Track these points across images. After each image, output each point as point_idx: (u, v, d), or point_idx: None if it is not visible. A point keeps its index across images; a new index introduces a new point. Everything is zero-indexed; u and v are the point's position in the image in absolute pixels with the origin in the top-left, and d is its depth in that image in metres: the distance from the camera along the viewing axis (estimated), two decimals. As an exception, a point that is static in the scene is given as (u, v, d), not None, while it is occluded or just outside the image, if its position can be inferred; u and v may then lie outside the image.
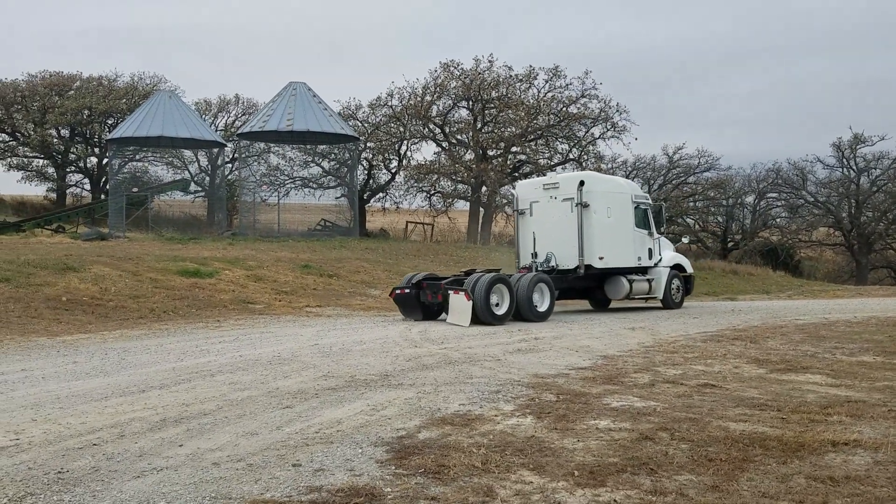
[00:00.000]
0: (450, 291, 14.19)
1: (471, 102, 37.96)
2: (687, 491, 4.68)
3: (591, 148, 39.07)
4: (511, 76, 37.74)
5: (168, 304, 14.97)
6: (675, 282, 18.01)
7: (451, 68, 37.38)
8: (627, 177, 48.00)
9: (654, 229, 17.65)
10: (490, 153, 37.28)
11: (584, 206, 16.25)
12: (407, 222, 39.93)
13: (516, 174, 38.52)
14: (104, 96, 43.05)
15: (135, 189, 35.55)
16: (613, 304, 18.65)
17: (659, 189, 47.68)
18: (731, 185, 47.54)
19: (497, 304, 14.20)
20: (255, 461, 5.26)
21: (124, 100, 43.17)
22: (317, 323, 14.06)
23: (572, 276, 16.45)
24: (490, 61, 37.48)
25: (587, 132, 38.83)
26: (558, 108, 37.90)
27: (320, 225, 33.20)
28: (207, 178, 42.76)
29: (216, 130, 45.50)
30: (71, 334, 11.88)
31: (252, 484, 4.80)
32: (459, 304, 13.91)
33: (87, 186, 47.35)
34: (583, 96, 37.63)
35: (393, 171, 40.08)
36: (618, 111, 37.36)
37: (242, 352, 10.18)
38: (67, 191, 46.36)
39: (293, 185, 37.06)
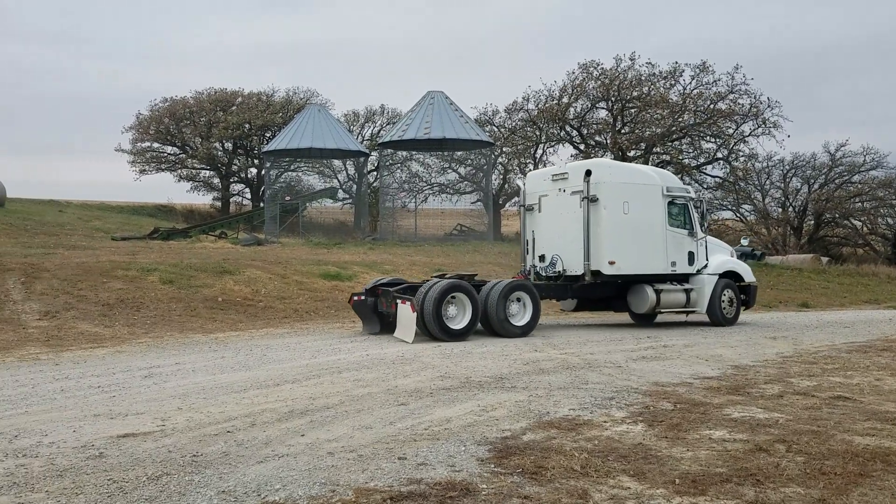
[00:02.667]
0: (398, 300, 12.24)
1: (610, 103, 37.32)
2: (790, 503, 4.51)
3: (740, 146, 37.23)
4: (654, 74, 36.79)
5: (310, 305, 15.92)
6: (728, 293, 15.07)
7: (590, 69, 36.97)
8: (785, 176, 45.33)
9: (696, 229, 14.82)
10: (630, 154, 36.44)
11: (591, 200, 13.82)
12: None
13: (659, 176, 37.41)
14: (262, 111, 46.29)
15: (287, 198, 37.92)
16: (748, 315, 17.67)
17: (820, 188, 44.64)
18: (902, 184, 43.58)
19: (454, 317, 12.16)
20: (365, 452, 5.60)
21: (280, 114, 46.18)
22: (446, 325, 14.42)
23: (579, 283, 14.16)
24: (631, 59, 36.75)
25: (736, 129, 37.03)
26: (705, 105, 36.43)
27: (456, 230, 33.89)
28: (355, 186, 44.82)
29: (363, 140, 47.65)
30: (223, 332, 12.96)
31: (359, 473, 5.13)
32: (405, 316, 12.02)
33: (248, 195, 51.07)
34: (732, 92, 36.00)
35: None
36: (769, 106, 35.37)
37: (370, 351, 10.72)
38: (231, 199, 50.19)
39: (431, 191, 38.11)
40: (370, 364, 9.57)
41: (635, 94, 36.66)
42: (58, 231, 27.23)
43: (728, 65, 78.88)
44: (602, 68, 36.77)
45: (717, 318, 14.93)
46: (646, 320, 15.64)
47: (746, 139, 36.89)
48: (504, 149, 38.82)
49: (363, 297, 12.99)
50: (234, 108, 47.78)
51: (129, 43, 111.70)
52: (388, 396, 7.56)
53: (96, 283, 14.83)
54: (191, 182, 50.29)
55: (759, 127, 35.97)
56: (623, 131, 37.17)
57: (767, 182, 45.06)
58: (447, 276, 13.24)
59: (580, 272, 14.03)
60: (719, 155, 37.73)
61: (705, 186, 38.81)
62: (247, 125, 46.51)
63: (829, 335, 13.37)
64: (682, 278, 14.77)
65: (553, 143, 39.01)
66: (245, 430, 6.28)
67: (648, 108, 36.17)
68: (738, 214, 44.07)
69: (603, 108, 38.12)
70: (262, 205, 40.68)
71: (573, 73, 37.40)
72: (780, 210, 45.35)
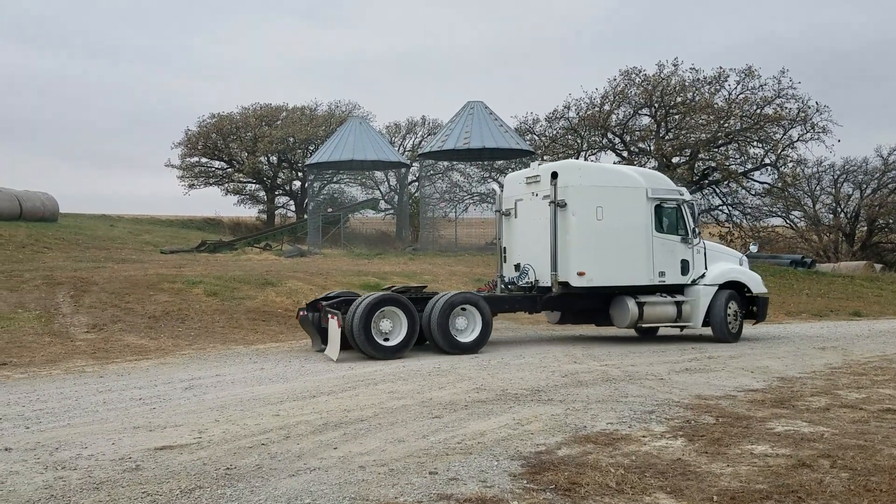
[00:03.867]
0: (329, 314, 11.54)
1: (653, 109, 36.85)
2: (834, 525, 4.34)
3: (788, 151, 36.32)
4: (698, 79, 36.19)
5: (350, 317, 15.99)
6: (732, 306, 13.53)
7: (632, 75, 36.57)
8: (836, 182, 44.11)
9: (691, 234, 13.43)
10: (674, 160, 35.89)
11: (559, 205, 12.68)
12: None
13: (704, 181, 36.83)
14: (306, 125, 46.99)
15: (329, 209, 38.34)
16: (797, 325, 17.18)
17: (873, 194, 43.34)
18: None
19: (389, 332, 11.36)
20: (396, 467, 5.58)
21: (322, 127, 46.81)
22: (486, 336, 14.32)
23: (548, 295, 13.02)
24: (674, 65, 36.24)
25: (784, 135, 36.16)
26: (751, 111, 35.69)
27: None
28: (396, 197, 45.12)
29: (405, 151, 48.01)
30: (264, 343, 13.11)
31: (389, 488, 5.11)
32: (332, 331, 11.32)
33: (292, 207, 51.82)
34: (779, 97, 35.20)
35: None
36: (818, 111, 34.51)
37: (406, 363, 10.72)
38: (276, 212, 50.99)
39: (471, 201, 38.09)
40: (406, 376, 9.57)
41: (679, 99, 36.12)
42: (108, 245, 27.96)
43: (774, 69, 77.42)
44: (644, 74, 36.35)
45: (723, 333, 13.43)
46: (648, 334, 14.51)
47: (795, 144, 36.05)
48: (545, 157, 38.63)
49: (306, 313, 12.34)
50: (278, 122, 48.59)
51: (179, 60, 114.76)
52: (423, 409, 7.54)
53: (143, 295, 15.16)
54: (237, 195, 51.31)
55: (807, 132, 35.12)
56: (667, 138, 36.63)
57: (818, 188, 43.98)
58: (393, 287, 12.56)
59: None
60: (767, 161, 36.88)
61: (753, 192, 38.03)
62: (291, 139, 47.24)
63: (881, 345, 12.94)
64: (677, 289, 13.40)
65: (595, 151, 38.66)
66: (279, 442, 6.32)
67: (693, 114, 35.60)
68: (788, 221, 43.05)
69: (646, 115, 37.63)
70: (305, 217, 41.20)
71: (614, 80, 37.06)
72: (832, 216, 44.17)
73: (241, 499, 4.93)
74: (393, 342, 11.36)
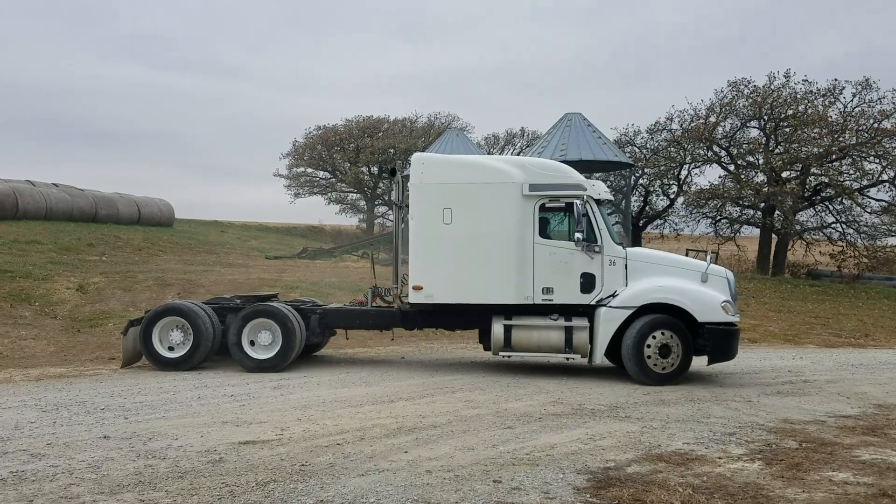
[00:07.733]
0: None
1: (762, 122, 35.47)
2: (909, 562, 4.13)
3: (909, 167, 34.07)
4: (811, 91, 34.58)
5: (439, 326, 16.22)
6: (658, 337, 10.16)
7: (741, 86, 35.35)
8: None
9: (602, 238, 10.51)
10: (784, 175, 34.37)
11: (400, 206, 11.33)
12: (687, 250, 38.11)
13: (815, 198, 35.07)
14: (406, 136, 48.09)
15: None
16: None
17: None
18: None
19: (179, 344, 10.69)
20: (462, 473, 5.71)
21: (422, 138, 47.74)
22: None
23: (398, 310, 11.35)
24: (786, 77, 34.80)
25: (904, 149, 33.97)
26: (868, 124, 33.76)
27: (594, 252, 33.27)
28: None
29: (502, 162, 48.11)
30: (352, 348, 13.51)
31: (452, 493, 5.24)
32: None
33: (391, 217, 53.00)
34: (899, 109, 33.13)
35: (671, 196, 38.81)
36: (942, 124, 32.24)
37: (486, 373, 10.80)
38: (375, 221, 52.30)
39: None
40: (484, 385, 9.68)
41: (790, 112, 34.60)
42: (218, 249, 29.51)
43: (892, 81, 72.74)
44: (754, 86, 35.06)
45: (636, 373, 10.22)
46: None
47: (915, 160, 33.78)
48: (646, 170, 37.88)
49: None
50: (380, 133, 49.92)
51: (287, 77, 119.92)
52: (496, 419, 7.63)
53: (244, 298, 15.92)
54: (340, 204, 52.97)
55: (930, 146, 32.83)
56: (777, 151, 35.14)
57: (943, 205, 40.88)
58: (241, 296, 11.96)
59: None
60: (885, 177, 34.73)
61: (869, 210, 35.89)
62: (391, 150, 48.41)
63: None
64: (582, 311, 10.56)
65: (699, 164, 37.55)
66: (354, 443, 6.57)
67: (805, 127, 33.99)
68: (909, 241, 40.28)
69: (754, 128, 36.23)
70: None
71: (721, 91, 35.93)
72: (959, 236, 40.95)
73: (311, 494, 5.18)
74: (176, 353, 10.71)
